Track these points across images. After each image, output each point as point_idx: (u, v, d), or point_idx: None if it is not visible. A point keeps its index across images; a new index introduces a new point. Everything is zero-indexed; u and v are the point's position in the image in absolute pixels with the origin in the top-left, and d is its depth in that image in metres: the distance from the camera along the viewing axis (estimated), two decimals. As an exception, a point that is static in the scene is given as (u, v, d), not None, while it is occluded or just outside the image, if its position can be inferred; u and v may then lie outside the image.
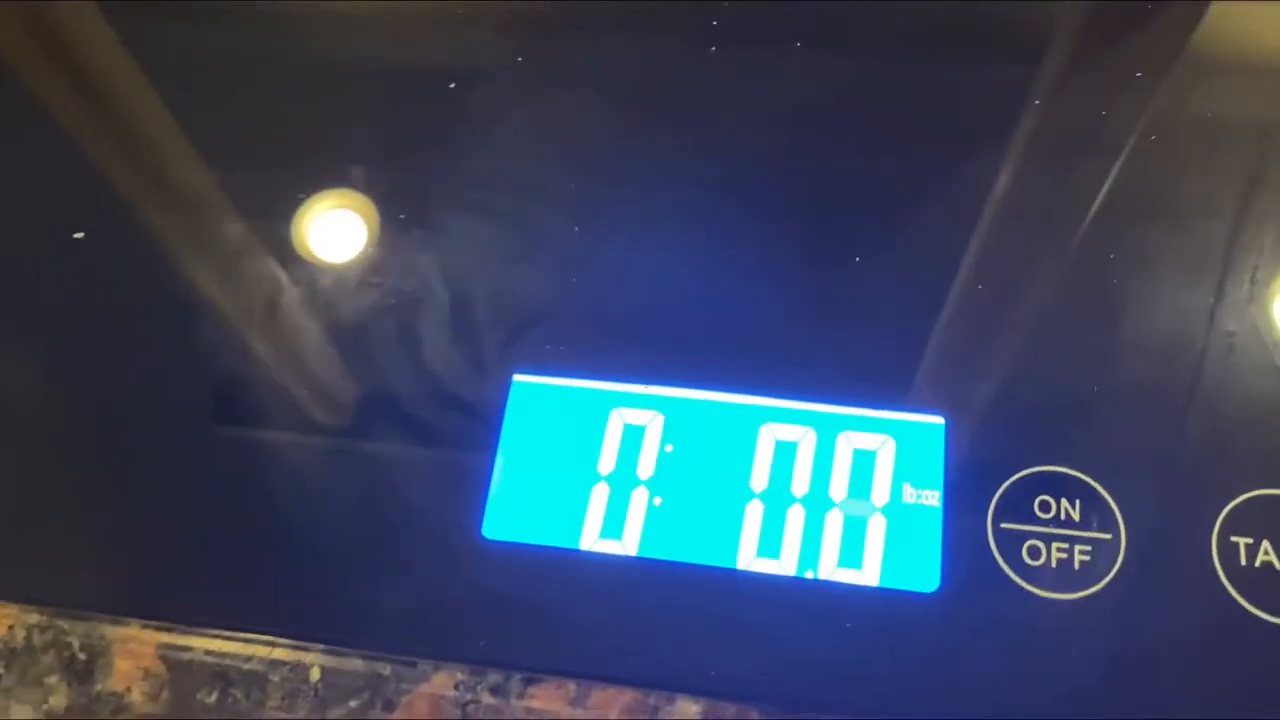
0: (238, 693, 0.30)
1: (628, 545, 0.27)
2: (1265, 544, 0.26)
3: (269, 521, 0.29)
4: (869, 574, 0.27)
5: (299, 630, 0.29)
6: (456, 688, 0.30)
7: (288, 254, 0.32)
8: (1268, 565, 0.26)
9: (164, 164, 0.35)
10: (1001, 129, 0.32)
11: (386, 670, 0.30)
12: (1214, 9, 0.33)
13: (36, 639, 0.31)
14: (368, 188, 0.32)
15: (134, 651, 0.31)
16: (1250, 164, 0.31)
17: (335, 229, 0.32)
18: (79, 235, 0.32)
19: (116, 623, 0.31)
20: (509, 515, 0.28)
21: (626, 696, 0.29)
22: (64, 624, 0.31)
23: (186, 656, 0.31)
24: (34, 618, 0.31)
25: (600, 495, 0.28)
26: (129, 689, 0.31)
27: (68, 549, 0.30)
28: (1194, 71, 0.33)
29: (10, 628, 0.31)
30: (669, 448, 0.28)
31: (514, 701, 0.30)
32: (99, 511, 0.30)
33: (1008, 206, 0.31)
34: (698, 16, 0.35)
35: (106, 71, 0.36)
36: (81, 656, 0.31)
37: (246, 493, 0.29)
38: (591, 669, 0.27)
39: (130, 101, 0.36)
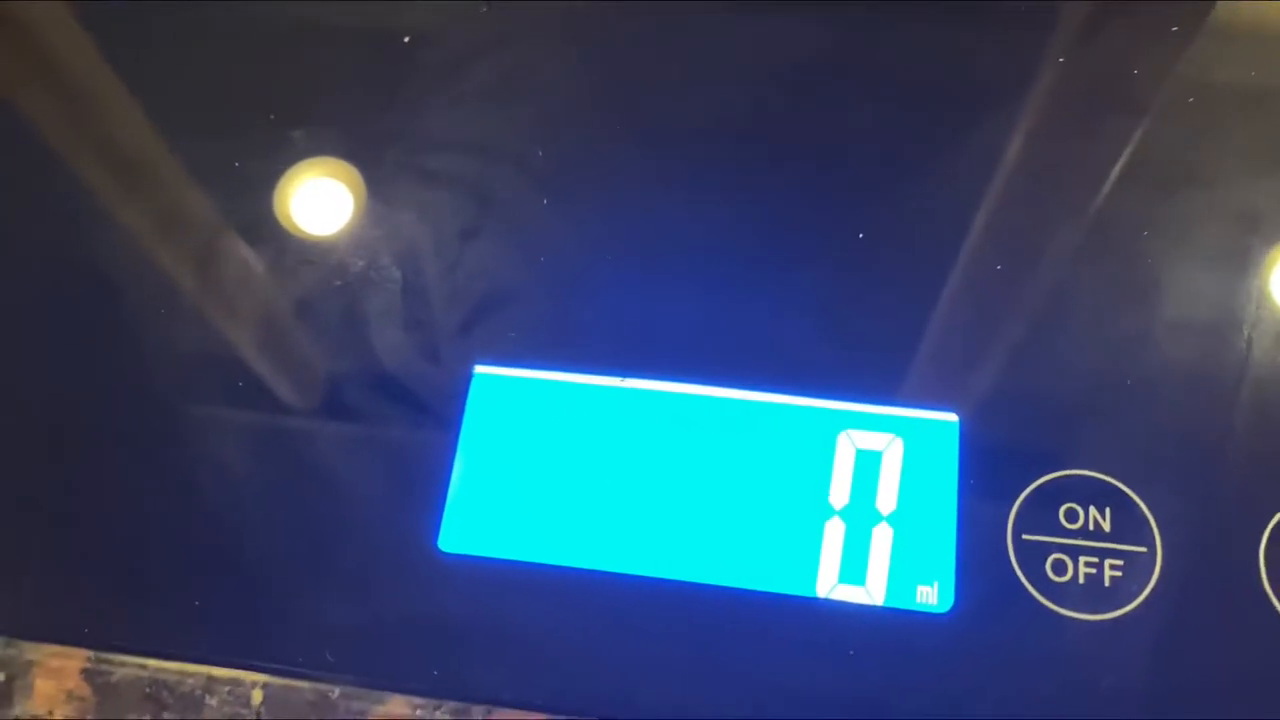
0: (171, 716, 0.28)
1: (604, 560, 0.24)
2: None
3: (202, 535, 0.26)
4: (874, 591, 0.24)
5: (235, 655, 0.26)
6: (414, 711, 0.28)
7: (216, 231, 0.29)
8: None
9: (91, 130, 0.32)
10: (1019, 100, 0.29)
11: (335, 693, 0.28)
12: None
13: (-52, 658, 0.29)
14: (310, 154, 0.29)
15: (57, 671, 0.29)
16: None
17: (270, 202, 0.29)
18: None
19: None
20: (468, 526, 0.25)
21: None
22: (-21, 641, 0.29)
23: (115, 677, 0.28)
24: (-55, 635, 0.29)
25: (574, 503, 0.25)
26: (51, 712, 0.28)
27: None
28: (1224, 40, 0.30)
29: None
30: (649, 447, 0.25)
31: None
32: (13, 527, 0.27)
33: (1029, 180, 0.28)
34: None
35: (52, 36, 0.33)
36: (-1, 677, 0.29)
37: (177, 502, 0.26)
38: (560, 701, 0.24)
39: (81, 67, 0.33)
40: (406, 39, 0.30)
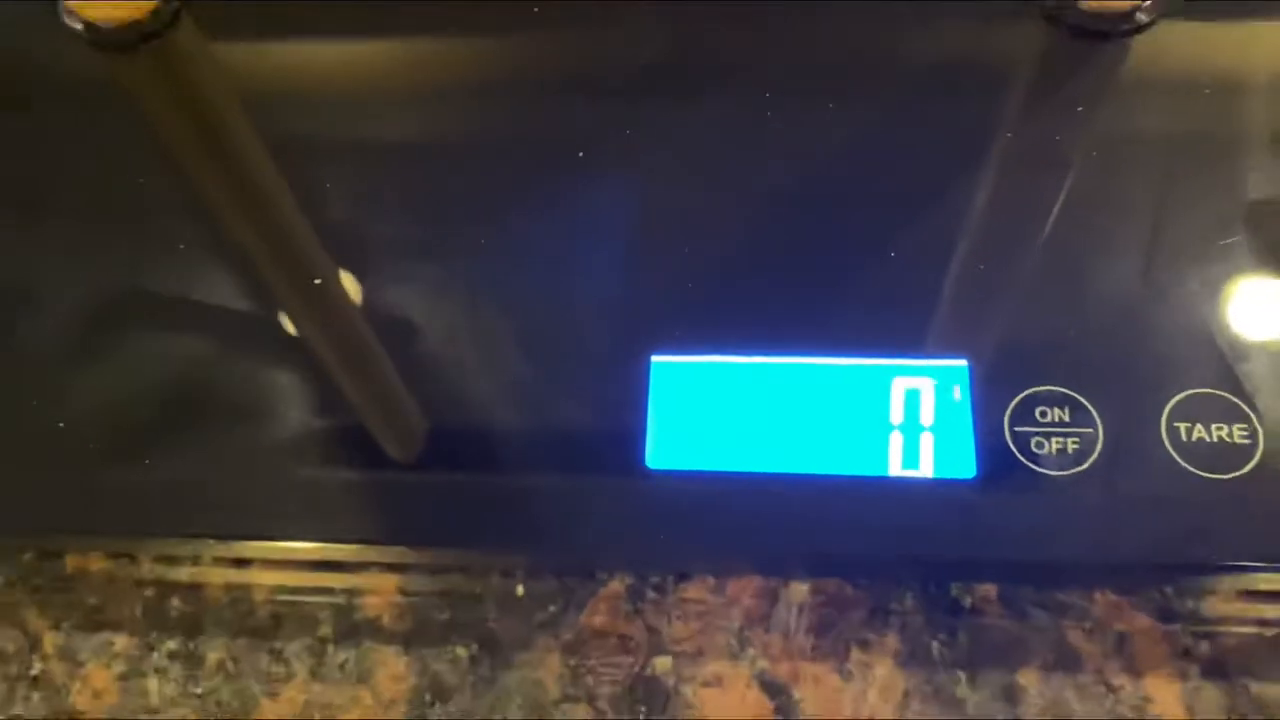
0: (463, 610, 0.40)
1: (756, 463, 0.37)
2: (1197, 425, 0.36)
3: (485, 477, 0.37)
4: (925, 470, 0.37)
5: (509, 552, 0.39)
6: (628, 591, 0.40)
7: (469, 251, 0.41)
8: (1200, 440, 0.36)
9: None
10: (983, 146, 0.43)
11: (574, 583, 0.40)
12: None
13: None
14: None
15: (381, 589, 0.40)
16: (1181, 160, 0.42)
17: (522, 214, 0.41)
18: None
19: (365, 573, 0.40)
20: (673, 444, 0.37)
21: (755, 583, 0.40)
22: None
23: (424, 586, 0.40)
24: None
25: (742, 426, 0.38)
26: (380, 616, 0.40)
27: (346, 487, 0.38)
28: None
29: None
30: (780, 397, 0.38)
31: (671, 596, 0.39)
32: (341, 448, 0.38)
33: (998, 218, 0.41)
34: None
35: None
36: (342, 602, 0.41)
37: (472, 457, 0.38)
38: (729, 567, 0.38)
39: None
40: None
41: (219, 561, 0.41)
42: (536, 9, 0.46)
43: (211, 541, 0.39)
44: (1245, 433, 0.36)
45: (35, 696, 0.39)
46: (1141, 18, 0.43)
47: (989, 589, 0.38)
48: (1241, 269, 0.39)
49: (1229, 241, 0.39)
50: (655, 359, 0.39)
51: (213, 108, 0.47)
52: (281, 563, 0.41)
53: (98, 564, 0.41)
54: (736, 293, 0.40)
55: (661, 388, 0.39)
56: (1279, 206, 0.40)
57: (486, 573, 0.40)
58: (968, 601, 0.38)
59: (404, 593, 0.40)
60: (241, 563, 0.41)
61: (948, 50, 0.45)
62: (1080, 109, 0.43)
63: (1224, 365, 0.37)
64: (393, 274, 0.41)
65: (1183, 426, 0.36)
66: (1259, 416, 0.36)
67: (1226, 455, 0.36)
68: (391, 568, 0.40)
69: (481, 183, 0.43)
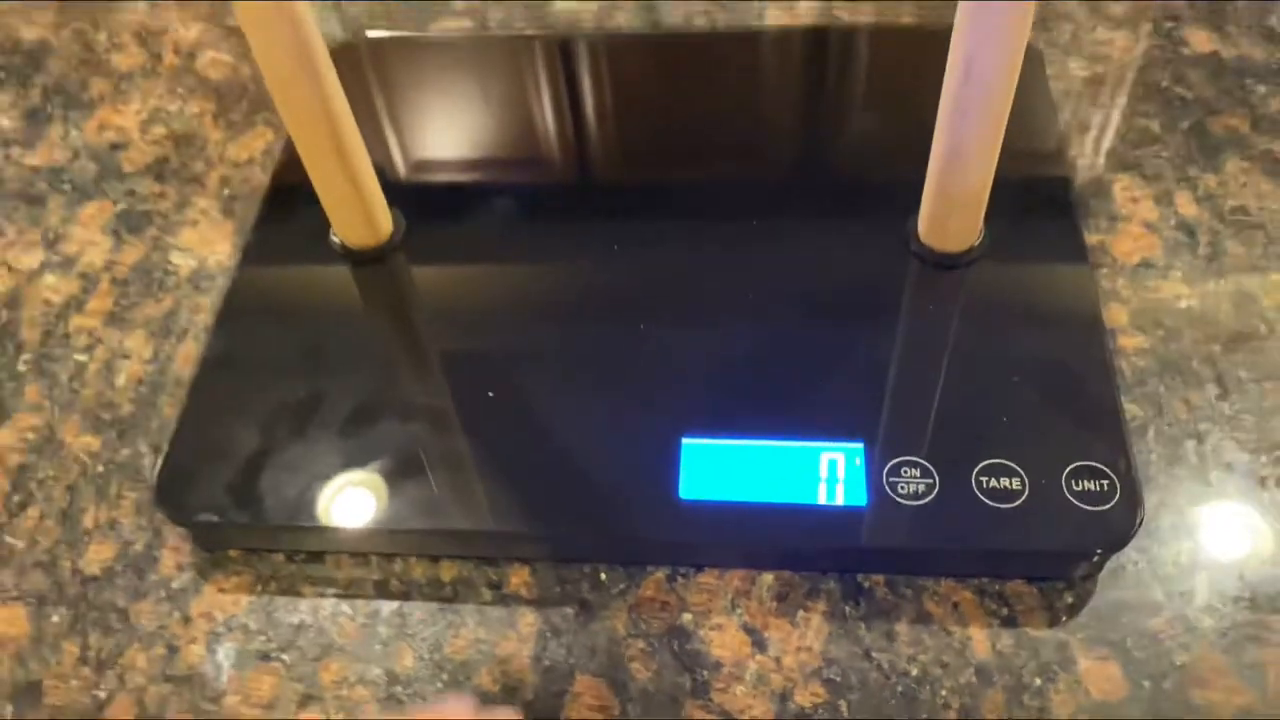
0: (569, 587, 0.67)
1: (749, 497, 0.65)
2: (992, 479, 0.62)
3: (581, 510, 0.60)
4: (839, 501, 0.64)
5: (596, 554, 0.65)
6: (666, 577, 0.63)
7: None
8: (994, 487, 0.62)
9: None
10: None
11: (634, 571, 0.65)
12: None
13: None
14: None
15: (520, 574, 0.68)
16: (995, 338, 0.70)
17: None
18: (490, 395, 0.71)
19: (510, 566, 0.68)
20: (695, 486, 0.66)
21: (740, 573, 0.66)
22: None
23: (546, 575, 0.68)
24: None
25: (735, 476, 0.66)
26: (520, 590, 0.67)
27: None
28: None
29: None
30: (763, 464, 0.67)
31: (692, 580, 0.64)
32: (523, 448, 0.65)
33: (882, 371, 0.70)
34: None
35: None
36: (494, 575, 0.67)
37: (574, 499, 0.65)
38: (726, 563, 0.63)
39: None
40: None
41: (421, 558, 0.68)
42: (616, 247, 0.78)
43: (418, 538, 0.66)
44: (1018, 483, 0.64)
45: (311, 634, 0.66)
46: (969, 256, 0.74)
47: (878, 577, 0.65)
48: (1024, 397, 0.68)
49: (1015, 380, 0.68)
50: (685, 440, 0.67)
51: (410, 303, 0.78)
52: (459, 558, 0.68)
53: (344, 560, 0.69)
54: (732, 406, 0.68)
55: (689, 456, 0.67)
56: (1045, 363, 0.69)
57: (582, 566, 0.62)
58: (867, 585, 0.64)
59: (534, 577, 0.63)
60: (435, 559, 0.68)
61: (850, 273, 0.73)
62: (931, 307, 0.72)
63: (1008, 446, 0.65)
64: (526, 393, 0.69)
65: (984, 479, 0.62)
66: (1025, 474, 0.64)
67: (1008, 496, 0.62)
68: (525, 561, 0.62)
69: (578, 343, 0.72)
